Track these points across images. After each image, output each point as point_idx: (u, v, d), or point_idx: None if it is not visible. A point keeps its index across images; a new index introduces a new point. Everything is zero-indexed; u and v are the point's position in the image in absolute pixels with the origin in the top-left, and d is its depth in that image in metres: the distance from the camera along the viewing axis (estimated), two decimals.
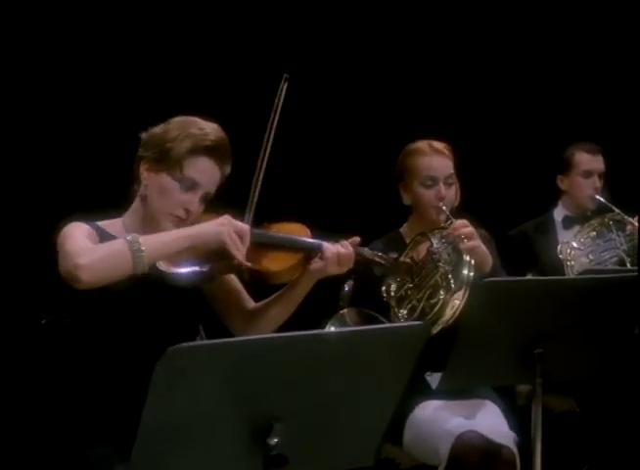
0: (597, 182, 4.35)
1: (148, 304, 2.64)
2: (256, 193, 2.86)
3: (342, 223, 3.05)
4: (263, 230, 2.83)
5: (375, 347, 2.01)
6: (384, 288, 3.30)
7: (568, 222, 4.42)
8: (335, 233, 2.92)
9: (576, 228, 4.32)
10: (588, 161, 4.38)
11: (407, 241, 3.48)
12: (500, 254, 4.47)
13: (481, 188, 4.52)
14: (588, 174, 4.37)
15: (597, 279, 3.03)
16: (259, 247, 2.73)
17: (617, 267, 3.96)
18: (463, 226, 3.25)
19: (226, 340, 1.92)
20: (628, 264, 4.12)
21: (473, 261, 3.19)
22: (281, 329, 2.82)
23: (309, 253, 2.80)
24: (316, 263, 2.81)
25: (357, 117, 4.87)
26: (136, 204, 2.77)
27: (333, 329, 3.29)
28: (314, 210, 3.59)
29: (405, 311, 3.32)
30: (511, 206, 4.86)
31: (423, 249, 3.38)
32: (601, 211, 4.33)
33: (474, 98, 5.07)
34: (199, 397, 1.89)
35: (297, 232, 2.83)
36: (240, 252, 2.61)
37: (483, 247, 3.29)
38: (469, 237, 3.23)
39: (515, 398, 4.22)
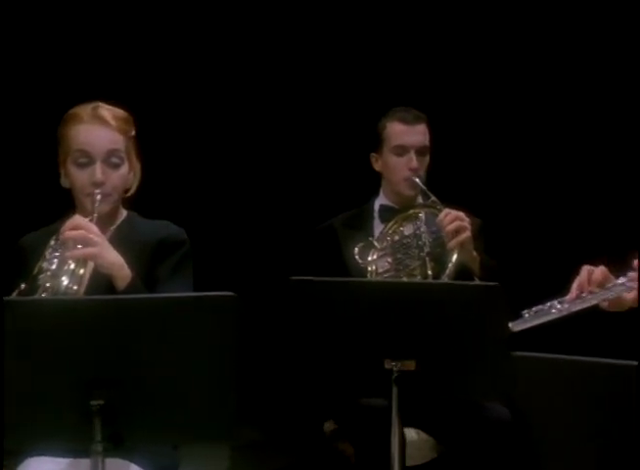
0: (413, 161, 3.27)
1: None
2: None
3: None
4: None
5: None
6: None
7: (386, 214, 3.36)
8: None
9: None
10: (401, 133, 3.29)
11: None
12: (305, 253, 3.57)
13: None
14: (402, 150, 3.29)
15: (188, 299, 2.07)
16: None
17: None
18: (69, 228, 2.43)
19: None
20: (430, 271, 3.08)
21: (82, 271, 2.41)
22: None
23: None
24: None
25: None
26: None
27: None
28: None
29: None
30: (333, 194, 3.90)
31: None
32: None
33: None
34: None
35: None
36: None
37: (107, 256, 2.45)
38: (81, 242, 2.42)
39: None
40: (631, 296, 2.32)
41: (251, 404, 4.53)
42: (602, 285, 2.32)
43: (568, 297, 2.32)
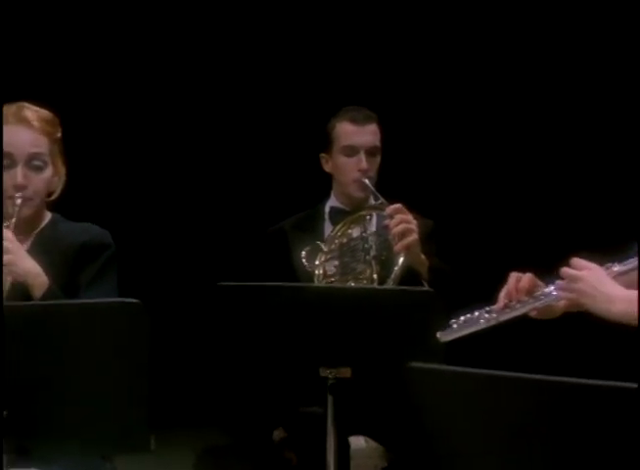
0: (363, 162, 3.17)
1: None
2: None
3: None
4: None
5: None
6: None
7: (336, 216, 3.27)
8: None
9: None
10: (351, 133, 3.19)
11: None
12: (255, 256, 3.49)
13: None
14: (351, 151, 3.19)
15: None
16: None
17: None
18: None
19: None
20: (375, 275, 2.98)
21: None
22: None
23: None
24: None
25: None
26: None
27: None
28: None
29: None
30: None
31: None
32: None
33: None
34: None
35: None
36: None
37: (21, 264, 2.41)
38: None
39: None
40: (562, 304, 2.23)
41: (216, 408, 4.46)
42: (530, 292, 2.23)
43: (496, 306, 2.23)
